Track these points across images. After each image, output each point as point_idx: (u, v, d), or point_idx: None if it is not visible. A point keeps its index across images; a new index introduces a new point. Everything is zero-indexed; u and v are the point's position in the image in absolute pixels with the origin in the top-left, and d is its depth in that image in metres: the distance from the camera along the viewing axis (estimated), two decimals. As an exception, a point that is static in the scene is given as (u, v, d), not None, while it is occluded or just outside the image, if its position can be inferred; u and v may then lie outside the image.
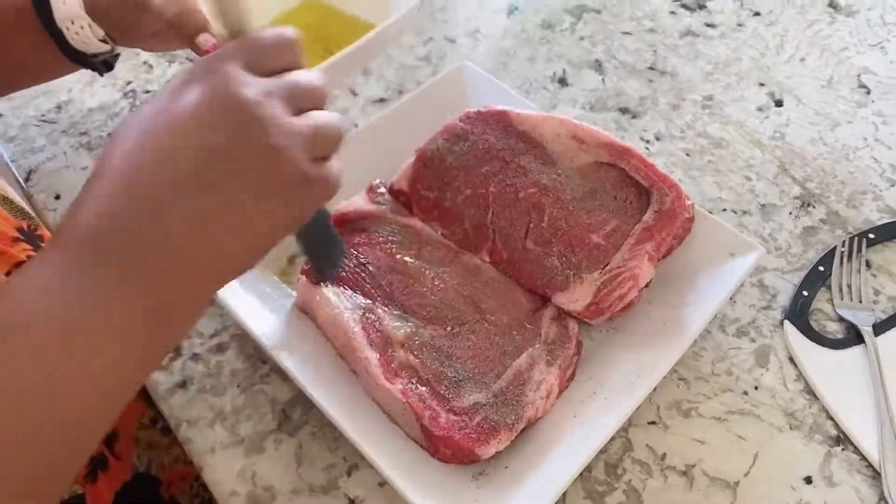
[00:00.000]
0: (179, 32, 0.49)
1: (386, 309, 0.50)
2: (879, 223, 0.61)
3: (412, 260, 0.53)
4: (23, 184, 0.64)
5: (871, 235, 0.59)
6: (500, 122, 0.55)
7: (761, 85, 0.72)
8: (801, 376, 0.52)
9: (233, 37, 0.33)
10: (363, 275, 0.52)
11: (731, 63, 0.74)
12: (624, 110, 0.70)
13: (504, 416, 0.46)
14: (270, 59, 0.32)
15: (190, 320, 0.33)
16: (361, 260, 0.52)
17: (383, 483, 0.47)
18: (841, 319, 0.55)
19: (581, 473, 0.45)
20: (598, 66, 0.74)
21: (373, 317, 0.49)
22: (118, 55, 0.55)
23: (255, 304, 0.51)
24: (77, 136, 0.67)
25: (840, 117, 0.69)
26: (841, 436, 0.50)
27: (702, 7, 0.80)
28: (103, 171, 0.30)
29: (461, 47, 0.75)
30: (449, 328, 0.50)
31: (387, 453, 0.44)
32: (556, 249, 0.52)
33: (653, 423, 0.50)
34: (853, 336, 0.54)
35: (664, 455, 0.49)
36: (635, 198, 0.52)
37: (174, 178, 0.29)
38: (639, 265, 0.50)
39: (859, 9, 0.80)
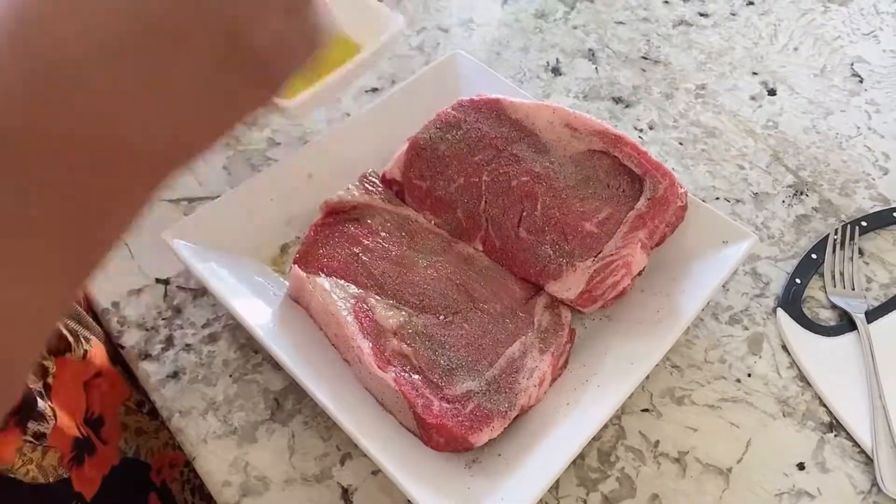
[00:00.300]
0: None
1: (379, 298, 0.50)
2: (872, 211, 0.61)
3: (405, 249, 0.53)
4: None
5: (864, 223, 0.59)
6: (493, 110, 0.55)
7: (754, 74, 0.72)
8: (793, 363, 0.52)
9: None
10: (356, 264, 0.51)
11: (725, 52, 0.74)
12: (617, 99, 0.70)
13: (497, 403, 0.46)
14: None
15: (127, 221, 0.26)
16: (354, 249, 0.52)
17: (376, 471, 0.47)
18: (833, 307, 0.55)
19: (574, 461, 0.45)
20: (591, 56, 0.74)
21: (365, 306, 0.49)
22: None
23: (246, 293, 0.51)
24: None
25: (833, 106, 0.69)
26: (833, 422, 0.50)
27: (695, -4, 0.80)
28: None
29: (454, 37, 0.75)
30: (442, 317, 0.50)
31: (380, 442, 0.44)
32: (548, 238, 0.52)
33: (646, 410, 0.50)
34: (846, 323, 0.54)
35: (657, 442, 0.49)
36: (628, 186, 0.52)
37: (106, 47, 0.22)
38: (632, 253, 0.50)
39: (852, -2, 0.80)
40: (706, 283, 0.51)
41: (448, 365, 0.47)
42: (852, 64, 0.73)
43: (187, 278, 0.56)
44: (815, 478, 0.48)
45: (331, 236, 0.52)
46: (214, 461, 0.47)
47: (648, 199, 0.51)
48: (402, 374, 0.46)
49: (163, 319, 0.54)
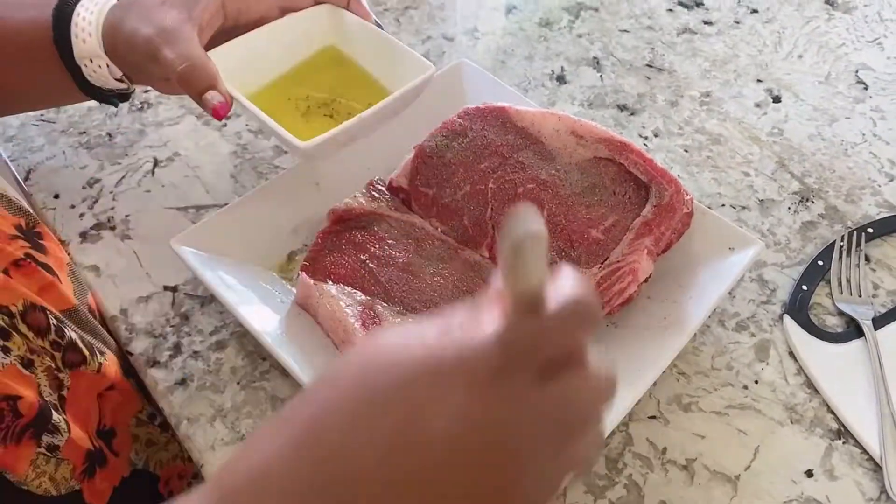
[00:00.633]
0: (187, 88, 0.48)
1: (386, 305, 0.50)
2: (878, 218, 0.61)
3: (412, 256, 0.53)
4: (22, 183, 0.64)
5: (870, 230, 0.59)
6: (499, 118, 0.55)
7: (759, 81, 0.72)
8: (801, 370, 0.52)
9: (520, 302, 0.24)
10: (363, 271, 0.51)
11: (729, 60, 0.74)
12: (622, 107, 0.70)
13: (504, 410, 0.46)
14: (562, 346, 0.25)
15: None
16: (361, 256, 0.52)
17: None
18: (840, 313, 0.55)
19: (582, 468, 0.45)
20: (596, 64, 0.74)
21: (372, 313, 0.49)
22: (133, 91, 0.56)
23: (254, 300, 0.51)
24: (76, 135, 0.67)
25: (838, 113, 0.70)
26: (842, 429, 0.50)
27: (699, 4, 0.80)
28: (294, 436, 0.24)
29: (459, 45, 0.75)
30: (449, 324, 0.50)
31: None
32: (555, 245, 0.52)
33: (653, 417, 0.50)
34: (853, 330, 0.54)
35: (665, 449, 0.49)
36: (634, 193, 0.52)
37: (391, 476, 0.23)
38: (638, 260, 0.50)
39: (856, 5, 0.80)
40: (712, 289, 0.51)
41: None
42: (857, 71, 0.73)
43: (195, 286, 0.56)
44: (823, 485, 0.47)
45: (338, 244, 0.53)
46: (222, 468, 0.47)
47: (654, 206, 0.51)
48: (410, 380, 0.46)
49: (171, 326, 0.54)
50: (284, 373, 0.51)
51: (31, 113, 0.69)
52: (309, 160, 0.55)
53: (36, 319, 0.44)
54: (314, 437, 0.23)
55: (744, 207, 0.62)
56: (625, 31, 0.77)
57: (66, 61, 0.51)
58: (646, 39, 0.76)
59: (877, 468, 0.48)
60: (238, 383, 0.51)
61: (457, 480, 0.23)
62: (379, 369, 0.24)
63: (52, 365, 0.45)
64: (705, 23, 0.78)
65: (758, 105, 0.70)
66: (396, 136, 0.58)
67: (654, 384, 0.48)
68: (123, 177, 0.64)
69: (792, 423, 0.50)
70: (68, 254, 0.56)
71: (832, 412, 0.50)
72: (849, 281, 0.57)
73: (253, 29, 0.55)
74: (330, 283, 0.50)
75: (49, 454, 0.43)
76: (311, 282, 0.49)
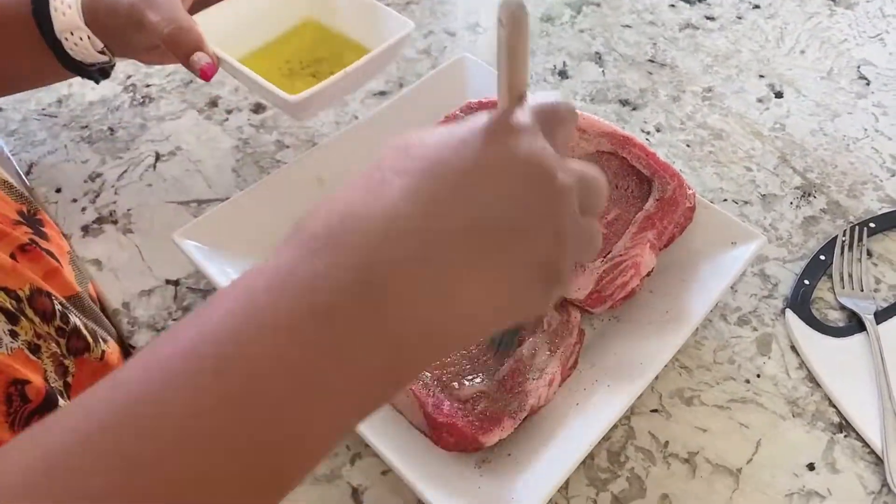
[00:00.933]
0: (174, 50, 0.49)
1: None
2: (880, 212, 0.61)
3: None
4: (23, 176, 0.64)
5: (872, 225, 0.60)
6: (501, 112, 0.55)
7: (761, 77, 0.72)
8: (803, 364, 0.52)
9: (514, 97, 0.30)
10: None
11: (731, 55, 0.74)
12: (624, 102, 0.70)
13: (507, 404, 0.46)
14: (562, 135, 0.30)
15: (409, 382, 0.31)
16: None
17: (387, 471, 0.47)
18: (842, 308, 0.55)
19: (584, 461, 0.45)
20: (598, 59, 0.74)
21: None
22: (114, 64, 0.56)
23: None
24: (78, 129, 0.67)
25: (840, 108, 0.70)
26: (843, 423, 0.50)
27: (701, 0, 0.80)
28: (380, 183, 0.28)
29: (461, 40, 0.75)
30: (451, 317, 0.50)
31: (390, 441, 0.44)
32: (557, 238, 0.52)
33: (655, 411, 0.50)
34: (855, 324, 0.54)
35: (667, 443, 0.49)
36: (637, 187, 0.52)
37: (474, 225, 0.27)
38: (640, 253, 0.50)
39: (858, 1, 0.80)
40: (715, 284, 0.51)
41: (458, 365, 0.47)
42: (859, 67, 0.73)
43: (197, 279, 0.56)
44: (825, 478, 0.47)
45: (340, 237, 0.52)
46: (225, 461, 0.47)
47: (657, 200, 0.51)
48: (412, 374, 0.46)
49: (173, 320, 0.54)
50: (287, 366, 0.51)
51: (33, 107, 0.69)
52: (298, 115, 0.56)
53: (42, 304, 0.44)
54: (400, 185, 0.27)
55: (746, 202, 0.62)
56: (627, 26, 0.77)
57: (46, 37, 0.51)
58: (648, 35, 0.76)
59: (878, 461, 0.48)
60: (240, 377, 0.51)
61: (521, 206, 0.28)
62: (435, 141, 0.29)
63: (58, 351, 0.45)
64: (707, 18, 0.78)
65: (760, 100, 0.70)
66: (398, 131, 0.58)
67: (657, 378, 0.48)
68: (125, 171, 0.64)
69: (794, 416, 0.50)
70: (68, 243, 0.56)
71: (834, 406, 0.50)
72: (850, 275, 0.57)
73: None
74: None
75: None
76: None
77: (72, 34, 0.51)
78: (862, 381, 0.51)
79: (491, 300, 0.28)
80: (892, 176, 0.64)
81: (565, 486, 0.47)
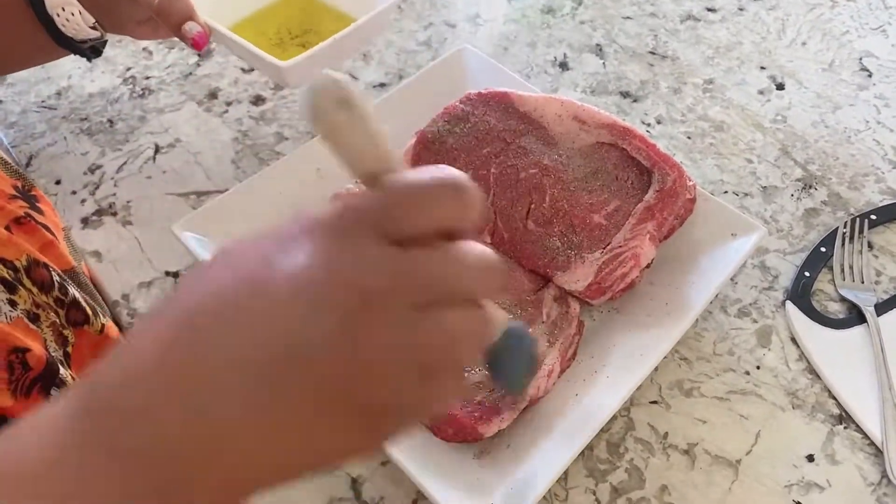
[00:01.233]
0: (166, 20, 0.49)
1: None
2: (881, 204, 0.61)
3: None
4: (16, 160, 0.63)
5: (873, 216, 0.59)
6: (502, 103, 0.55)
7: (762, 68, 0.72)
8: (802, 356, 0.52)
9: (367, 183, 0.25)
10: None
11: (733, 47, 0.74)
12: (625, 94, 0.70)
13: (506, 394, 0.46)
14: (418, 222, 0.24)
15: None
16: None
17: (385, 462, 0.47)
18: (843, 300, 0.55)
19: (583, 452, 0.46)
20: (598, 51, 0.74)
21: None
22: (106, 41, 0.56)
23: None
24: (77, 121, 0.67)
25: (841, 100, 0.69)
26: (843, 414, 0.50)
27: (703, -9, 0.80)
28: (156, 337, 0.24)
29: (461, 32, 0.75)
30: (450, 309, 0.50)
31: (389, 432, 0.44)
32: (557, 230, 0.52)
33: (654, 402, 0.50)
34: (855, 316, 0.54)
35: (666, 434, 0.49)
36: (637, 178, 0.52)
37: (241, 365, 0.23)
38: (640, 245, 0.50)
39: (861, -8, 0.80)
40: (715, 275, 0.51)
41: (457, 356, 0.47)
42: (861, 58, 0.73)
43: (197, 271, 0.56)
44: (824, 469, 0.47)
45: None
46: (224, 452, 0.47)
47: (657, 192, 0.51)
48: (411, 365, 0.46)
49: (172, 312, 0.54)
50: (286, 357, 0.51)
51: (32, 99, 0.69)
52: (287, 82, 0.56)
53: (40, 275, 0.44)
54: (170, 335, 0.24)
55: (746, 194, 0.62)
56: (628, 17, 0.77)
57: (38, 13, 0.51)
58: (649, 26, 0.76)
59: (878, 453, 0.48)
60: (240, 368, 0.51)
61: (302, 333, 0.23)
62: (231, 261, 0.25)
63: (57, 321, 0.45)
64: (708, 10, 0.78)
65: (761, 92, 0.70)
66: (398, 122, 0.58)
67: (656, 369, 0.48)
68: (125, 163, 0.64)
69: (793, 408, 0.50)
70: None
71: (833, 397, 0.50)
72: (851, 267, 0.57)
73: None
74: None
75: None
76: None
77: (63, 9, 0.51)
78: (862, 372, 0.51)
79: (282, 448, 0.24)
80: (894, 168, 0.64)
81: (564, 477, 0.47)
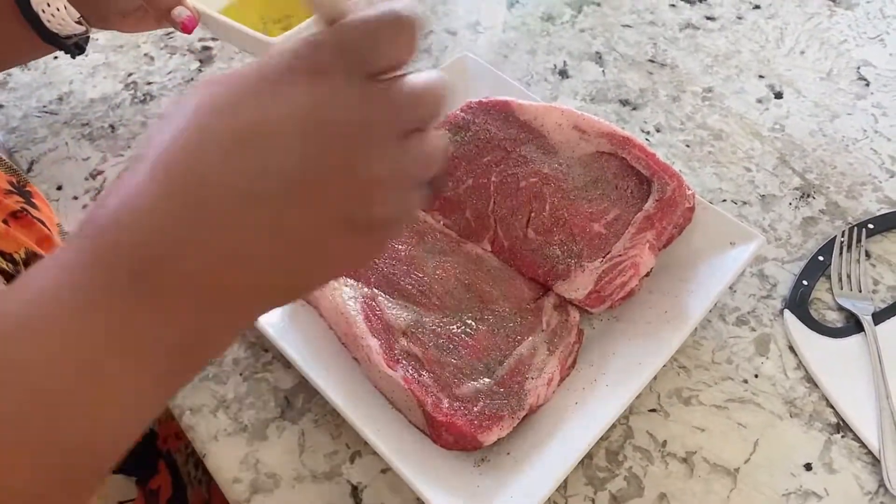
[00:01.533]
0: (154, 7, 0.50)
1: (388, 297, 0.50)
2: (879, 214, 0.61)
3: (414, 249, 0.53)
4: (12, 159, 0.64)
5: (871, 226, 0.60)
6: (502, 111, 0.56)
7: (761, 77, 0.72)
8: (800, 365, 0.53)
9: (329, 23, 0.27)
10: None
11: (731, 56, 0.75)
12: (624, 102, 0.70)
13: (506, 403, 0.46)
14: (380, 55, 0.26)
15: (221, 350, 0.29)
16: (363, 249, 0.52)
17: (386, 469, 0.47)
18: (840, 308, 0.56)
19: (582, 460, 0.46)
20: (598, 59, 0.74)
21: (375, 305, 0.49)
22: (89, 38, 0.57)
23: (257, 292, 0.51)
24: (78, 127, 0.67)
25: (839, 109, 0.70)
26: (841, 423, 0.50)
27: (702, 0, 0.80)
28: (153, 164, 0.25)
29: (462, 39, 0.75)
30: (450, 316, 0.50)
31: (389, 440, 0.44)
32: (557, 238, 0.52)
33: (653, 410, 0.50)
34: (853, 325, 0.54)
35: (665, 442, 0.49)
36: (636, 187, 0.53)
37: (250, 194, 0.25)
38: (640, 254, 0.50)
39: (858, 1, 0.80)
40: (713, 284, 0.51)
41: (457, 364, 0.48)
42: (859, 67, 0.74)
43: (198, 277, 0.56)
44: (822, 478, 0.48)
45: (340, 236, 0.53)
46: (225, 458, 0.48)
47: (656, 201, 0.51)
48: (412, 372, 0.46)
49: (173, 318, 0.54)
50: (287, 364, 0.51)
51: (34, 104, 0.69)
52: None
53: None
54: (189, 182, 0.25)
55: (745, 203, 0.62)
56: (627, 26, 0.77)
57: (23, 10, 0.52)
58: (648, 34, 0.76)
59: (875, 462, 0.48)
60: (240, 374, 0.51)
61: (305, 165, 0.25)
62: (217, 93, 0.26)
63: None
64: (708, 18, 0.78)
65: (759, 101, 0.70)
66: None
67: (655, 377, 0.48)
68: (126, 168, 0.64)
69: (791, 416, 0.50)
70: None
71: (831, 406, 0.51)
72: (849, 276, 0.57)
73: None
74: (333, 275, 0.50)
75: None
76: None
77: (49, 5, 0.51)
78: (859, 381, 0.51)
79: (289, 265, 0.26)
80: (891, 177, 0.64)
81: (564, 486, 0.47)
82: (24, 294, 0.25)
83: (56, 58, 0.72)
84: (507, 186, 0.54)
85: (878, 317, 0.54)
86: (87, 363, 0.24)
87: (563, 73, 0.72)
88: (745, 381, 0.52)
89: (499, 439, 0.45)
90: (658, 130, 0.68)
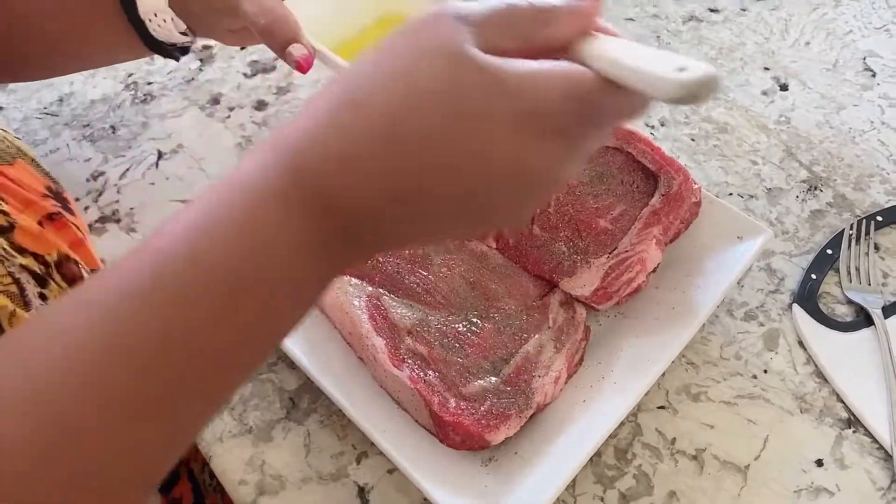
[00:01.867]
0: (270, 41, 0.49)
1: (393, 296, 0.50)
2: (887, 206, 0.60)
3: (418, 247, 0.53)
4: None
5: (879, 218, 0.59)
6: (505, 107, 0.55)
7: (766, 69, 0.72)
8: (810, 359, 0.52)
9: None
10: (369, 263, 0.51)
11: (736, 48, 0.74)
12: (628, 96, 0.69)
13: (513, 401, 0.46)
14: (548, 31, 0.29)
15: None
16: (367, 248, 0.52)
17: (392, 470, 0.47)
18: (850, 302, 0.55)
19: (591, 458, 0.45)
20: (601, 53, 0.73)
21: (380, 304, 0.49)
22: (194, 42, 0.56)
23: (261, 292, 0.50)
24: (79, 128, 0.67)
25: (846, 101, 0.69)
26: (851, 418, 0.49)
27: (705, -8, 0.80)
28: (354, 116, 0.27)
29: (464, 35, 0.75)
30: (456, 315, 0.49)
31: (396, 440, 0.44)
32: (563, 234, 0.51)
33: (662, 407, 0.50)
34: (862, 319, 0.54)
35: (674, 439, 0.49)
36: (642, 182, 0.52)
37: (442, 152, 0.27)
38: (646, 249, 0.50)
39: (864, -8, 0.80)
40: (721, 278, 0.50)
41: (463, 363, 0.47)
42: (864, 58, 0.73)
43: (201, 278, 0.56)
44: (833, 474, 0.47)
45: (344, 235, 0.52)
46: (230, 460, 0.47)
47: (663, 196, 0.51)
48: (418, 372, 0.46)
49: (177, 319, 0.54)
50: (292, 365, 0.51)
51: (34, 106, 0.68)
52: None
53: (70, 271, 0.44)
54: (399, 130, 0.27)
55: (751, 196, 0.62)
56: (630, 19, 0.77)
57: (130, 17, 0.51)
58: (651, 27, 0.76)
59: (887, 457, 0.48)
60: (245, 375, 0.51)
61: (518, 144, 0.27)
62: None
63: None
64: (711, 10, 0.78)
65: (765, 93, 0.70)
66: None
67: (663, 374, 0.48)
68: (128, 169, 0.63)
69: (801, 412, 0.50)
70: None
71: (842, 401, 0.50)
72: (858, 269, 0.56)
73: None
74: (337, 274, 0.50)
75: None
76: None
77: (155, 16, 0.51)
78: (870, 376, 0.51)
79: (423, 234, 0.30)
80: (899, 168, 0.64)
81: (572, 484, 0.47)
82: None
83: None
84: (511, 183, 0.53)
85: (888, 310, 0.54)
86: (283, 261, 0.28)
87: (566, 68, 0.72)
88: (755, 377, 0.51)
89: (506, 438, 0.45)
90: (663, 124, 0.67)
